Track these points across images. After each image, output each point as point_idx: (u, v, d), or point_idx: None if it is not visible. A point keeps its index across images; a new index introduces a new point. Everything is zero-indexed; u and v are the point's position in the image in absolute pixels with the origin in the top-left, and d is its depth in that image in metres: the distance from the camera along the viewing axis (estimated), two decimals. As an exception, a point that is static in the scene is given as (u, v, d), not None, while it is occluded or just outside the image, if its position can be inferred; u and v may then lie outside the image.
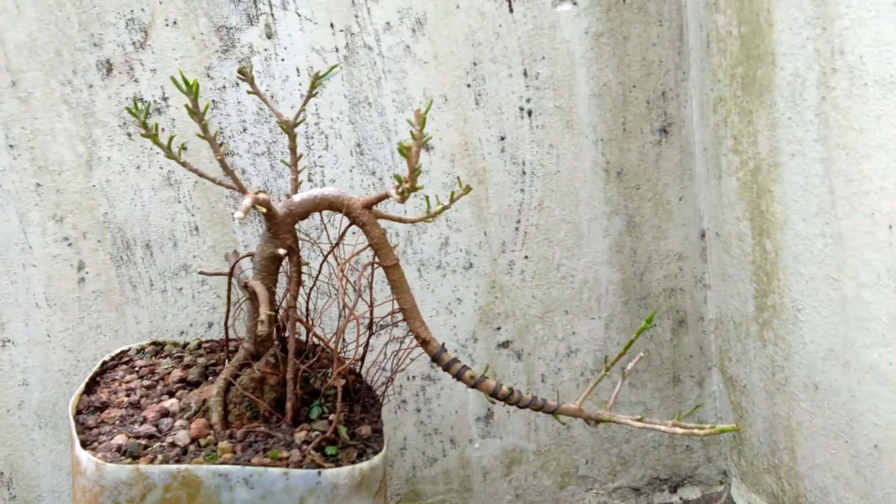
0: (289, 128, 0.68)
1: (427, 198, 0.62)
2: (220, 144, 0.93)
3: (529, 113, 1.00)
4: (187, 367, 0.72)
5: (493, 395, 0.68)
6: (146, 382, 0.69)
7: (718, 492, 1.14)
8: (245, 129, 0.93)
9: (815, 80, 0.77)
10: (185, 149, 0.90)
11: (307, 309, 0.75)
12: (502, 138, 0.99)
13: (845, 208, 0.76)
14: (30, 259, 0.91)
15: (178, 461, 0.57)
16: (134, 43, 0.90)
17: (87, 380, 0.69)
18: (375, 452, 0.61)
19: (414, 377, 1.03)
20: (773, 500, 1.01)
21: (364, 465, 0.58)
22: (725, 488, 1.14)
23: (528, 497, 1.09)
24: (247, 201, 0.54)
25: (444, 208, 0.68)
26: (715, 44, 0.95)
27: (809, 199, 0.82)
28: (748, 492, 1.08)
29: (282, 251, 0.65)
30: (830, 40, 0.74)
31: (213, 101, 0.90)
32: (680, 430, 0.72)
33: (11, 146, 0.88)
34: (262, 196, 0.57)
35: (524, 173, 1.01)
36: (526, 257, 1.03)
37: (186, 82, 0.51)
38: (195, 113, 0.54)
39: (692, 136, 1.04)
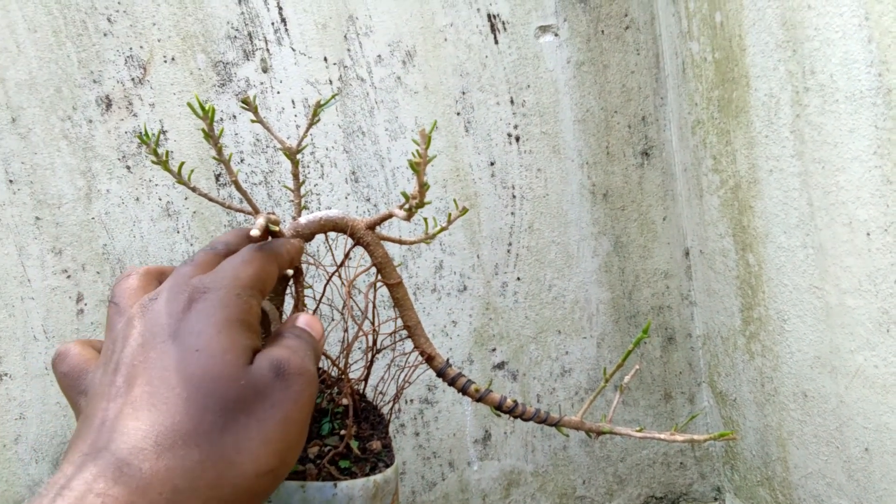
0: (291, 154, 0.71)
1: (425, 220, 0.65)
2: (221, 172, 0.95)
3: (517, 139, 1.03)
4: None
5: (499, 407, 0.69)
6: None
7: (714, 507, 1.16)
8: (242, 160, 0.95)
9: (788, 100, 0.82)
10: (181, 175, 0.92)
11: (311, 331, 0.76)
12: (492, 163, 1.03)
13: (824, 219, 0.80)
14: (28, 292, 0.91)
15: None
16: (133, 79, 0.92)
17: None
18: (387, 465, 0.62)
19: (412, 400, 1.04)
20: (768, 511, 1.03)
21: (378, 477, 0.59)
22: None
23: (527, 518, 1.10)
24: (261, 220, 0.56)
25: (443, 229, 0.71)
26: (690, 70, 1.00)
27: (789, 212, 0.86)
28: (743, 504, 1.09)
29: (290, 272, 0.67)
30: (801, 61, 0.79)
31: (206, 131, 0.92)
32: (679, 438, 0.74)
33: (11, 181, 0.90)
34: (273, 216, 0.59)
35: (514, 197, 1.04)
36: (518, 279, 1.05)
37: (202, 107, 0.53)
38: (210, 136, 0.56)
39: (673, 157, 1.09)
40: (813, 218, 0.82)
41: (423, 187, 0.56)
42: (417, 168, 0.54)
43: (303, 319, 0.52)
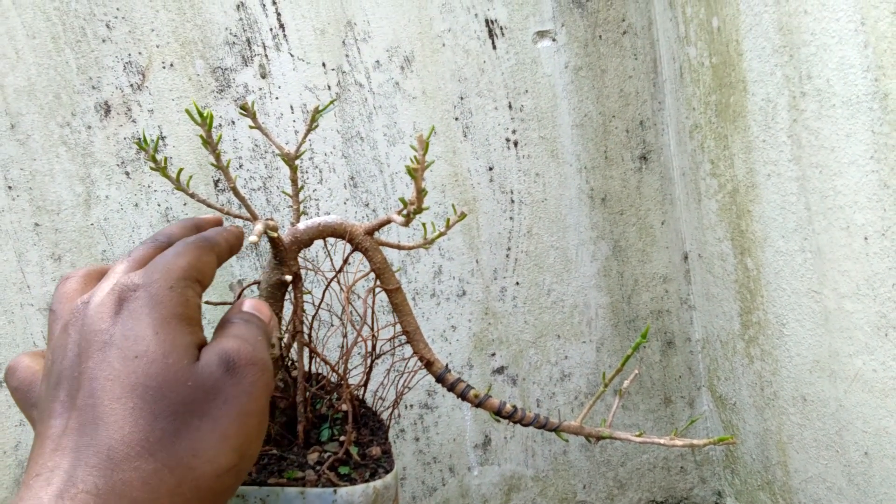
0: (290, 160, 0.71)
1: (424, 225, 0.65)
2: (218, 177, 0.95)
3: (515, 144, 1.03)
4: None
5: (498, 413, 0.69)
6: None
7: (714, 511, 1.16)
8: (241, 166, 0.95)
9: (785, 104, 0.82)
10: (179, 181, 0.92)
11: (310, 337, 0.76)
12: (490, 168, 1.03)
13: (822, 223, 0.80)
14: (28, 298, 0.91)
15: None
16: (132, 85, 0.92)
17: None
18: (387, 471, 0.62)
19: (412, 406, 1.04)
20: (768, 515, 1.03)
21: (377, 483, 0.59)
22: (721, 507, 1.15)
23: (527, 523, 1.09)
24: (259, 226, 0.56)
25: (441, 234, 0.71)
26: (688, 74, 1.01)
27: (787, 216, 0.86)
28: (743, 509, 1.09)
29: (288, 278, 0.67)
30: (798, 66, 0.79)
31: (204, 137, 0.92)
32: (679, 443, 0.74)
33: (10, 187, 0.90)
34: (272, 222, 0.59)
35: (513, 202, 1.04)
36: (517, 283, 1.05)
37: (200, 114, 0.53)
38: (209, 143, 0.56)
39: (671, 162, 1.09)
40: (811, 222, 0.82)
41: (421, 193, 0.56)
42: (415, 174, 0.54)
43: (249, 303, 0.50)
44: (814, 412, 0.88)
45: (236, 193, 0.60)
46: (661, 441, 0.75)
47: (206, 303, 0.74)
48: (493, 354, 1.06)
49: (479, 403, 0.70)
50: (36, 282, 0.91)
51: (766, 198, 0.89)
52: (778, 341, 0.92)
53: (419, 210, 0.58)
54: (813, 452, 0.90)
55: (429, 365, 0.70)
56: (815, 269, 0.83)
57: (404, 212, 0.60)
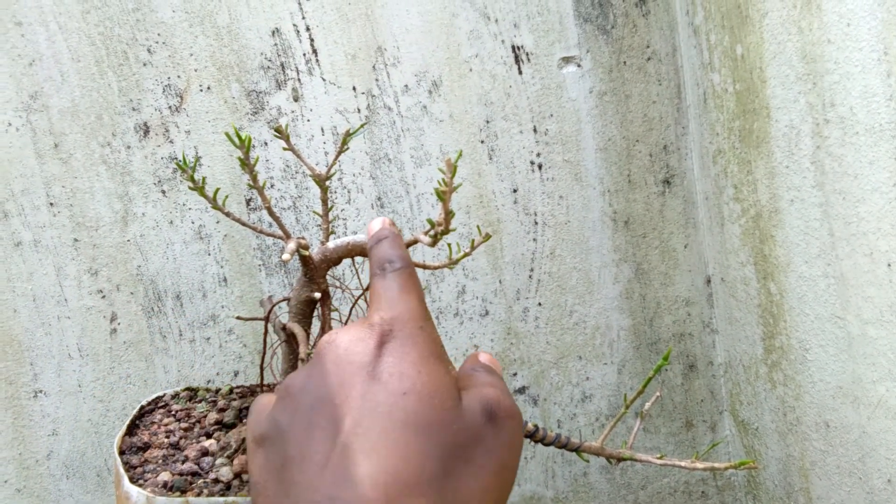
0: (321, 181, 0.73)
1: (449, 245, 0.66)
2: (251, 198, 0.98)
3: (540, 166, 1.05)
4: (222, 410, 0.74)
5: (519, 431, 0.70)
6: (183, 425, 0.71)
7: (736, 537, 1.15)
8: (272, 185, 0.98)
9: (809, 131, 0.83)
10: (216, 201, 0.95)
11: (336, 353, 0.78)
12: (515, 190, 1.05)
13: (845, 249, 0.81)
14: (65, 311, 0.94)
15: (223, 495, 0.59)
16: (170, 107, 0.96)
17: (128, 422, 0.71)
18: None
19: (433, 423, 1.05)
20: (791, 543, 1.02)
21: None
22: (743, 534, 1.14)
23: (547, 545, 1.09)
24: (292, 245, 0.59)
25: (466, 255, 0.72)
26: (712, 100, 1.02)
27: (810, 241, 0.86)
28: (766, 536, 1.08)
29: (317, 295, 0.69)
30: (821, 94, 0.80)
31: (242, 159, 0.96)
32: (700, 466, 0.74)
33: (52, 204, 0.93)
34: (303, 241, 0.62)
35: (536, 223, 1.05)
36: (539, 304, 1.07)
37: (239, 136, 0.56)
38: (246, 164, 0.58)
39: (694, 186, 1.10)
40: (834, 248, 0.82)
41: (449, 215, 0.58)
42: (443, 196, 0.56)
43: (485, 357, 0.50)
44: (836, 438, 0.88)
45: (270, 213, 0.62)
46: (683, 464, 0.75)
47: (238, 318, 0.76)
48: (515, 374, 1.07)
49: (501, 422, 0.71)
50: (73, 295, 0.94)
51: (790, 223, 0.89)
52: (801, 367, 0.92)
53: (446, 231, 0.60)
54: (836, 479, 0.90)
55: (452, 383, 0.71)
56: (839, 294, 0.83)
57: (431, 232, 0.62)
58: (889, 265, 0.75)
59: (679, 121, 1.09)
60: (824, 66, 0.79)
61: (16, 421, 0.94)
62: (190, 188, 0.67)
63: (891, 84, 0.70)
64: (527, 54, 1.03)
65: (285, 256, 0.55)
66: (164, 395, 0.80)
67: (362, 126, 0.75)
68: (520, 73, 1.04)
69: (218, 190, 0.64)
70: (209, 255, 0.97)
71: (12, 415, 0.93)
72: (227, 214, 0.67)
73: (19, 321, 0.93)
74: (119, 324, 0.96)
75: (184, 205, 0.96)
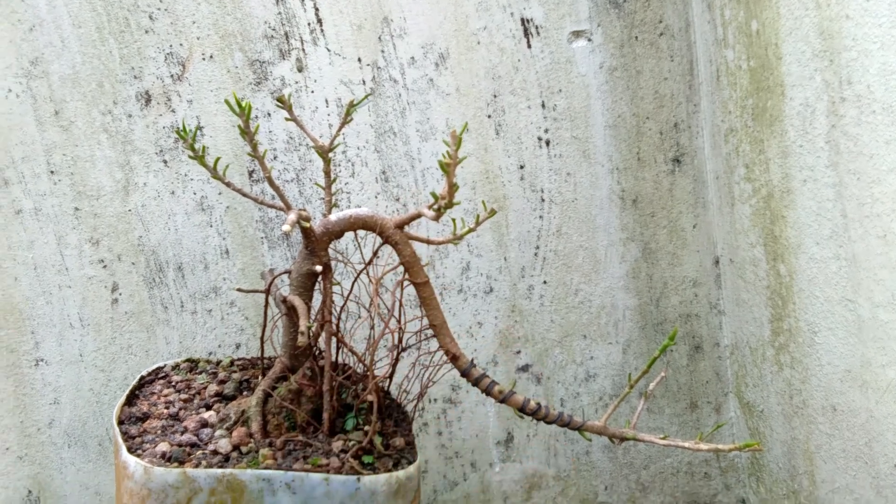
0: (324, 153, 0.72)
1: (454, 220, 0.65)
2: (253, 169, 0.97)
3: (547, 143, 1.03)
4: (222, 382, 0.74)
5: (522, 409, 0.70)
6: (183, 396, 0.71)
7: (737, 519, 1.14)
8: (275, 157, 0.97)
9: (824, 110, 0.81)
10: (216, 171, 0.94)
11: (338, 327, 0.77)
12: (521, 167, 1.03)
13: (858, 231, 0.79)
14: (66, 280, 0.94)
15: (221, 466, 0.59)
16: (172, 76, 0.94)
17: (127, 392, 0.71)
18: (410, 462, 0.63)
19: (435, 400, 1.04)
20: (792, 526, 1.01)
21: (400, 474, 0.60)
22: (744, 515, 1.14)
23: (547, 523, 1.09)
24: (292, 216, 0.57)
25: (470, 230, 0.71)
26: (725, 77, 1.00)
27: (822, 223, 0.84)
28: (767, 518, 1.08)
29: (318, 268, 0.68)
30: (838, 71, 0.78)
31: (242, 128, 0.94)
32: (704, 447, 0.74)
33: (52, 172, 0.92)
34: (304, 213, 0.60)
35: (543, 200, 1.04)
36: (545, 282, 1.05)
37: (239, 104, 0.55)
38: (246, 133, 0.57)
39: (704, 165, 1.08)
40: (846, 229, 0.81)
41: (453, 188, 0.56)
42: (447, 169, 0.54)
43: None
44: (843, 422, 0.87)
45: (271, 183, 0.61)
46: (686, 445, 0.74)
47: (238, 290, 0.75)
48: (519, 352, 1.06)
49: (503, 399, 0.70)
50: (74, 264, 0.94)
51: (802, 204, 0.87)
52: (809, 349, 0.91)
53: (450, 205, 0.58)
54: (841, 463, 0.89)
55: (454, 359, 0.71)
56: (850, 277, 0.81)
57: (435, 206, 0.61)
58: (903, 247, 0.73)
59: (691, 98, 1.06)
60: (842, 42, 0.77)
61: (17, 389, 0.93)
62: (190, 157, 0.65)
63: (912, 60, 0.68)
64: (536, 27, 1.01)
65: (285, 228, 0.54)
66: (165, 365, 0.80)
67: (366, 97, 0.74)
68: (529, 46, 1.01)
69: (218, 159, 0.63)
70: (211, 226, 0.96)
71: (13, 383, 0.93)
72: (228, 185, 0.66)
73: (20, 290, 0.93)
74: (120, 294, 0.95)
75: (185, 175, 0.95)
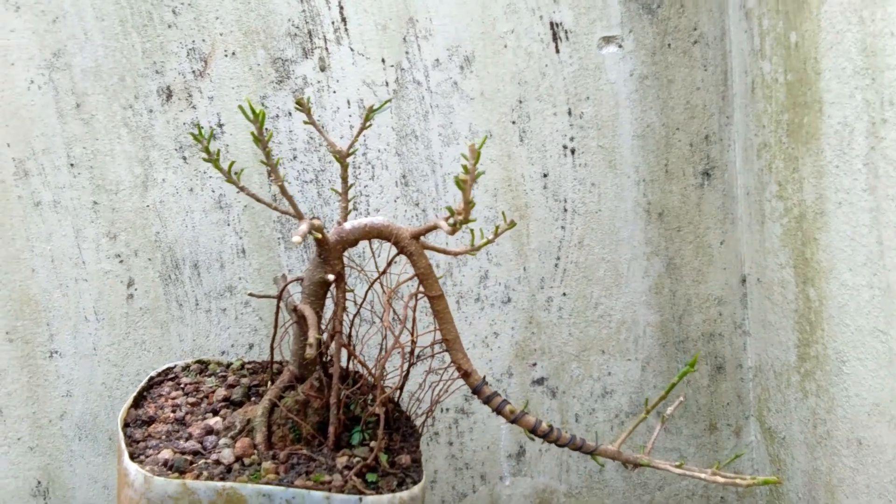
0: (341, 157, 0.70)
1: (472, 231, 0.63)
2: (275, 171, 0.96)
3: (573, 151, 1.01)
4: (231, 386, 0.73)
5: (533, 431, 0.68)
6: (191, 399, 0.70)
7: (753, 545, 1.11)
8: (295, 157, 0.96)
9: (863, 130, 0.77)
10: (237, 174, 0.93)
11: (349, 336, 0.76)
12: (545, 175, 1.01)
13: (894, 260, 0.75)
14: (82, 274, 0.93)
15: (222, 478, 0.58)
16: (194, 71, 0.93)
17: (134, 394, 0.70)
18: (415, 482, 0.62)
19: (447, 409, 1.02)
20: (811, 557, 0.98)
21: (404, 495, 0.58)
22: (760, 542, 1.11)
23: (556, 539, 1.07)
24: (304, 227, 0.56)
25: (488, 242, 0.69)
26: (760, 90, 0.96)
27: (857, 248, 0.81)
28: (785, 546, 1.04)
29: (331, 277, 0.67)
30: (880, 91, 0.74)
31: (266, 128, 0.93)
32: (720, 479, 0.71)
33: (72, 165, 0.92)
34: (317, 222, 0.59)
35: (566, 210, 1.01)
36: (564, 294, 1.03)
37: (253, 111, 0.53)
38: (259, 140, 0.56)
39: (735, 180, 1.04)
40: (882, 257, 0.77)
41: (469, 204, 0.54)
42: (463, 186, 0.52)
43: None
44: (869, 457, 0.84)
45: (283, 192, 0.59)
46: (702, 476, 0.72)
47: (250, 294, 0.74)
48: (535, 364, 1.04)
49: (514, 420, 0.68)
50: (91, 258, 0.94)
51: (836, 227, 0.84)
52: (836, 378, 0.87)
53: (466, 221, 0.56)
54: (864, 499, 0.85)
55: (466, 376, 0.69)
56: (883, 307, 0.78)
57: (451, 220, 0.59)
58: (942, 280, 0.70)
59: (723, 110, 1.03)
60: (885, 60, 0.73)
61: (31, 380, 0.94)
62: (204, 160, 0.64)
63: (961, 84, 0.65)
64: (565, 32, 0.98)
65: (295, 240, 0.53)
66: (175, 366, 0.79)
67: (386, 102, 0.72)
68: (557, 51, 0.99)
69: (233, 163, 0.62)
70: (228, 225, 0.96)
71: (27, 374, 0.93)
72: (242, 189, 0.65)
73: (37, 281, 0.93)
74: (136, 289, 0.95)
75: (205, 172, 0.94)
